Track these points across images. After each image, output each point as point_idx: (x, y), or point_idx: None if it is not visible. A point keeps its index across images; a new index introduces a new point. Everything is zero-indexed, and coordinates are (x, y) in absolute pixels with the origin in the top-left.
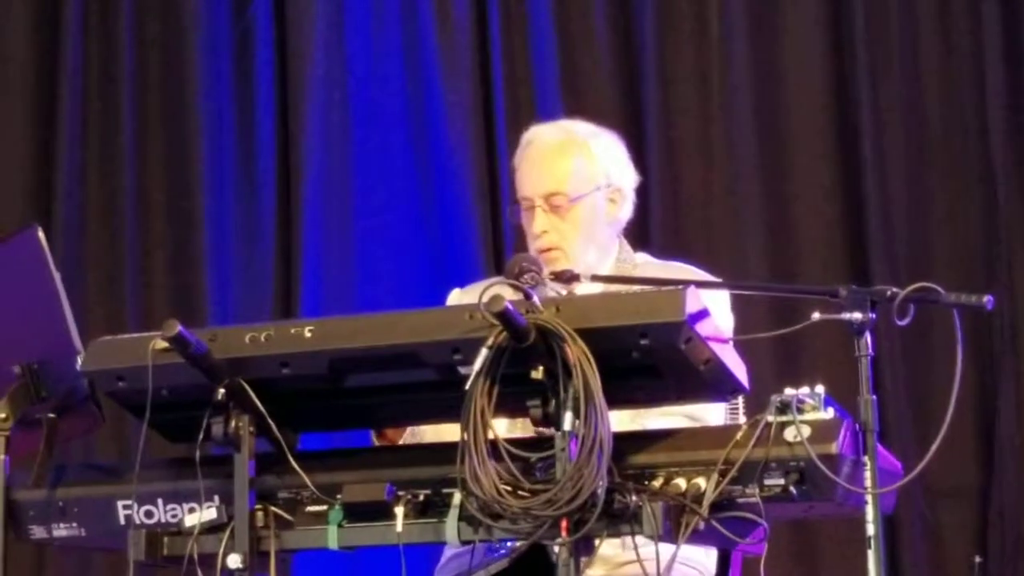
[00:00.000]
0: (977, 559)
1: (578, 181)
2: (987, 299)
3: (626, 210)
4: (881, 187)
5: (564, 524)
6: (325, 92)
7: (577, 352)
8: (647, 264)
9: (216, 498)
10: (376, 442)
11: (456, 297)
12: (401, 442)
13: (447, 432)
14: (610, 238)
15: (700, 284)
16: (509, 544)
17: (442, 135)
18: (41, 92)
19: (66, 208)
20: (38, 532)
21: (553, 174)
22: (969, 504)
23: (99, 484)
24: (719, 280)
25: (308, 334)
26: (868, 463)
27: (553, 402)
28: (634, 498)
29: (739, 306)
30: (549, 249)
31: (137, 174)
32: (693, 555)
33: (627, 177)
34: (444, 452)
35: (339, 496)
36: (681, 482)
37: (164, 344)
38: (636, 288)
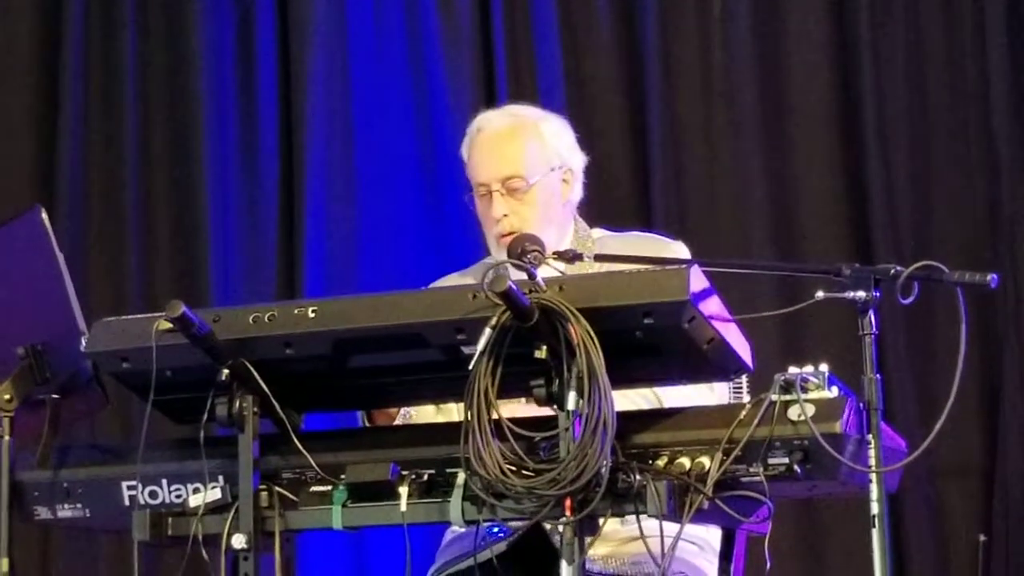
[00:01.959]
0: (982, 537)
1: (534, 163)
2: (991, 277)
3: (577, 190)
4: (884, 166)
5: (568, 503)
6: (327, 76)
7: (580, 331)
8: (605, 237)
9: (220, 478)
10: (365, 424)
11: (454, 281)
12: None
13: (438, 415)
14: (565, 219)
15: (704, 264)
16: (508, 527)
17: (445, 117)
18: (43, 74)
19: (69, 189)
20: (43, 513)
21: (508, 158)
22: (973, 483)
23: (103, 465)
24: (719, 260)
25: (312, 314)
26: (872, 442)
27: (557, 381)
28: (638, 477)
29: (743, 285)
30: (511, 233)
31: (140, 155)
32: (697, 532)
33: (576, 157)
34: (448, 432)
35: (343, 476)
36: (685, 461)
37: (168, 325)
38: (636, 267)
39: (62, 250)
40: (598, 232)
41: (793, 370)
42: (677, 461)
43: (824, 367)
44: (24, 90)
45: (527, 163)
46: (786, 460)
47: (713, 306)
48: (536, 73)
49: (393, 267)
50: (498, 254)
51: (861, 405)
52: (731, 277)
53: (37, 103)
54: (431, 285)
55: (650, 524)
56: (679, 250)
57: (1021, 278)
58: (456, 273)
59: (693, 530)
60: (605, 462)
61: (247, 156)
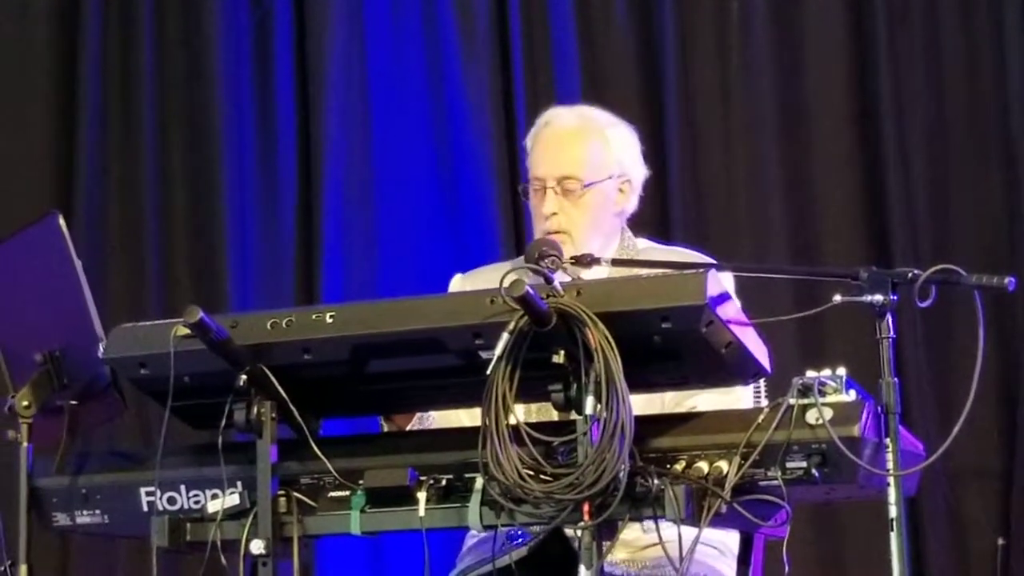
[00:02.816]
0: (1000, 541)
1: (593, 167)
2: (1009, 280)
3: (633, 202)
4: (902, 169)
5: (586, 508)
6: (344, 77)
7: (598, 336)
8: (650, 249)
9: (239, 484)
10: (385, 428)
11: (458, 283)
12: (408, 428)
13: (455, 418)
14: (614, 228)
15: (720, 267)
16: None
17: (462, 119)
18: (61, 81)
19: (87, 195)
20: (61, 519)
21: (569, 158)
22: (992, 486)
23: (122, 471)
24: (736, 264)
25: (330, 320)
26: (890, 445)
27: (575, 386)
28: (656, 481)
29: (761, 289)
30: (556, 232)
31: (157, 161)
32: (715, 536)
33: (638, 169)
34: (466, 437)
35: (361, 481)
36: (703, 465)
37: (186, 331)
38: (655, 272)
39: (80, 256)
40: (643, 243)
41: (811, 374)
42: (695, 465)
43: (842, 371)
44: (42, 96)
45: (586, 166)
46: (804, 464)
47: (731, 310)
48: (553, 75)
49: (411, 268)
50: None
51: (879, 409)
52: (749, 281)
53: (55, 109)
54: (472, 272)
55: (669, 532)
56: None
57: None
58: (471, 272)
59: (711, 534)
60: (623, 466)
61: (265, 160)
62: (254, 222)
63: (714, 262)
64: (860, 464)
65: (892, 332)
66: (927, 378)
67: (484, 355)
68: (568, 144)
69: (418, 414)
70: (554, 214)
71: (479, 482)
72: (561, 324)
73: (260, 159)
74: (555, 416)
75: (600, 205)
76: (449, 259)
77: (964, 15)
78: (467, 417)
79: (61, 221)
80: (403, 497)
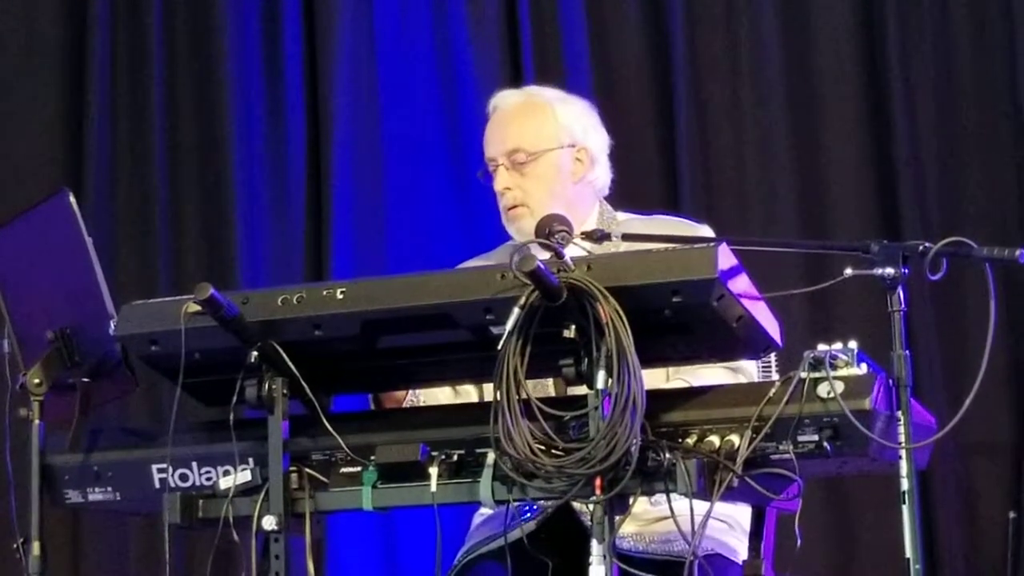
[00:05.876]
0: (1012, 514)
1: (537, 138)
2: (1020, 253)
3: (599, 172)
4: (912, 142)
5: (598, 482)
6: (353, 58)
7: (609, 310)
8: (630, 220)
9: (250, 460)
10: (373, 408)
11: (476, 264)
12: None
13: (443, 396)
14: (581, 197)
15: (732, 242)
16: (536, 507)
17: (471, 101)
18: (71, 62)
19: (97, 173)
20: (73, 496)
21: (513, 132)
22: (1003, 459)
23: (133, 448)
24: (747, 238)
25: (340, 296)
26: (902, 418)
27: (586, 361)
28: (668, 455)
29: (771, 264)
30: (514, 207)
31: (167, 140)
32: (726, 510)
33: (594, 139)
34: (477, 412)
35: (373, 457)
36: (715, 439)
37: (196, 307)
38: (666, 245)
39: (90, 234)
40: (623, 216)
41: (822, 347)
42: (707, 439)
43: (853, 344)
44: (52, 77)
45: (530, 137)
46: (815, 437)
47: (742, 284)
48: (562, 55)
49: (420, 251)
50: (508, 228)
51: (890, 382)
52: (760, 255)
53: (64, 88)
54: (485, 254)
55: (679, 504)
56: (706, 233)
57: None
58: (480, 256)
59: (723, 508)
60: (635, 441)
61: (274, 140)
62: (264, 199)
63: (702, 228)
64: (872, 437)
65: (903, 305)
66: (938, 351)
67: (495, 330)
68: (513, 120)
69: (410, 394)
70: (508, 189)
71: (491, 457)
72: (572, 299)
73: (269, 136)
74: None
75: (553, 174)
76: (458, 240)
77: None
78: (458, 399)
79: (71, 198)
80: (415, 473)
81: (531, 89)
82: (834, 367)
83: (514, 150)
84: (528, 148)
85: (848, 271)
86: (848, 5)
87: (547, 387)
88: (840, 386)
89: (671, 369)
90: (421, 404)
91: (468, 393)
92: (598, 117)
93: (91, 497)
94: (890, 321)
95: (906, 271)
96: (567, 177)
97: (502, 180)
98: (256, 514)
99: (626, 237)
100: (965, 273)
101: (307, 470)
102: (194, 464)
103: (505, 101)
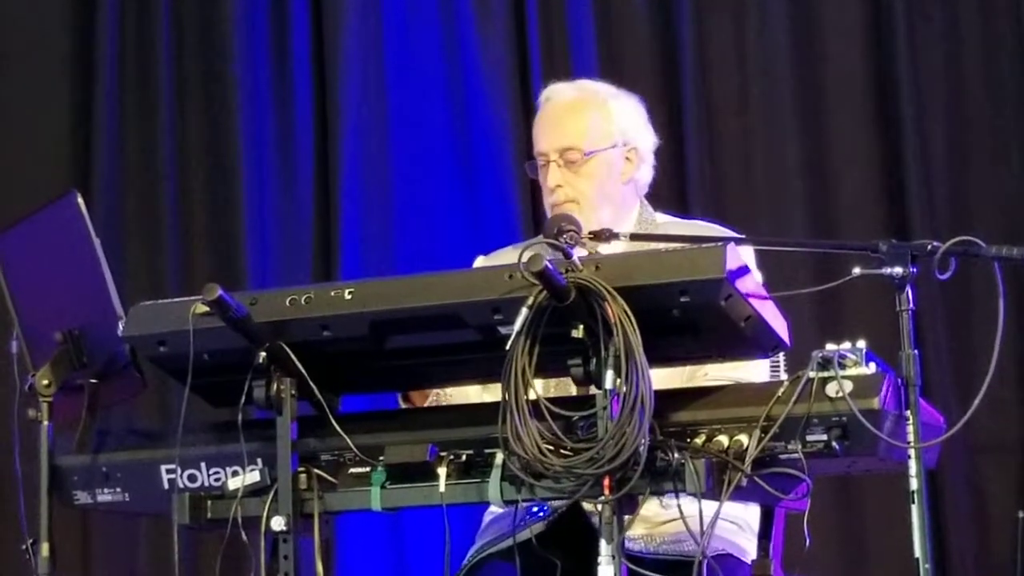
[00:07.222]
0: (1020, 514)
1: (593, 137)
2: None
3: (644, 171)
4: (921, 140)
5: (607, 482)
6: (361, 58)
7: (617, 310)
8: (669, 223)
9: (259, 461)
10: (402, 405)
11: (480, 264)
12: (426, 405)
13: (472, 394)
14: (627, 197)
15: (740, 241)
16: (547, 507)
17: (479, 97)
18: (78, 59)
19: (105, 174)
20: (82, 497)
21: (568, 129)
22: (1012, 458)
23: (142, 449)
24: (756, 238)
25: (348, 296)
26: (911, 417)
27: (594, 360)
28: (676, 455)
29: (780, 263)
30: (564, 203)
31: (175, 139)
32: (735, 511)
33: (644, 138)
34: (485, 412)
35: (381, 457)
36: (723, 439)
37: (205, 308)
38: (674, 245)
39: (98, 235)
40: (662, 217)
41: (830, 347)
42: (715, 439)
43: (862, 343)
44: (59, 73)
45: (586, 135)
46: (824, 437)
47: (750, 283)
48: (569, 51)
49: (429, 248)
50: None
51: (899, 381)
52: (768, 254)
53: (72, 87)
54: (494, 252)
55: (687, 505)
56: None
57: None
58: (482, 256)
59: (732, 509)
60: (643, 440)
61: (282, 138)
62: (272, 200)
63: (735, 235)
64: (881, 436)
65: (912, 304)
66: (947, 350)
67: (503, 330)
68: (567, 116)
69: (434, 392)
70: (559, 186)
71: (499, 457)
72: (580, 299)
73: (277, 135)
74: (573, 391)
75: (605, 174)
76: (467, 237)
77: None
78: (487, 394)
79: (79, 200)
80: (423, 473)
81: (584, 83)
82: (843, 366)
83: (568, 148)
84: (583, 147)
85: (856, 270)
86: (858, 3)
87: (568, 386)
88: (849, 385)
89: (704, 368)
90: (448, 400)
91: (497, 389)
92: (647, 114)
93: (100, 498)
94: (899, 320)
95: (915, 270)
96: (617, 177)
97: (554, 178)
98: (265, 515)
99: (634, 237)
100: (974, 272)
101: (316, 471)
102: (203, 465)
103: (558, 95)
